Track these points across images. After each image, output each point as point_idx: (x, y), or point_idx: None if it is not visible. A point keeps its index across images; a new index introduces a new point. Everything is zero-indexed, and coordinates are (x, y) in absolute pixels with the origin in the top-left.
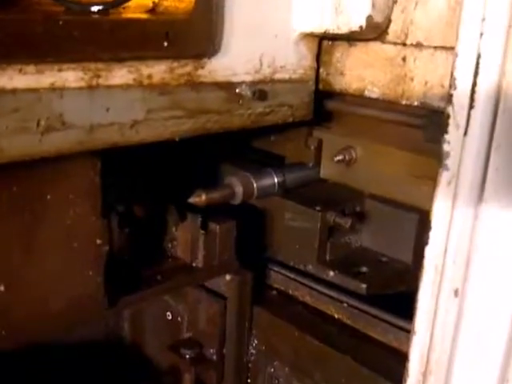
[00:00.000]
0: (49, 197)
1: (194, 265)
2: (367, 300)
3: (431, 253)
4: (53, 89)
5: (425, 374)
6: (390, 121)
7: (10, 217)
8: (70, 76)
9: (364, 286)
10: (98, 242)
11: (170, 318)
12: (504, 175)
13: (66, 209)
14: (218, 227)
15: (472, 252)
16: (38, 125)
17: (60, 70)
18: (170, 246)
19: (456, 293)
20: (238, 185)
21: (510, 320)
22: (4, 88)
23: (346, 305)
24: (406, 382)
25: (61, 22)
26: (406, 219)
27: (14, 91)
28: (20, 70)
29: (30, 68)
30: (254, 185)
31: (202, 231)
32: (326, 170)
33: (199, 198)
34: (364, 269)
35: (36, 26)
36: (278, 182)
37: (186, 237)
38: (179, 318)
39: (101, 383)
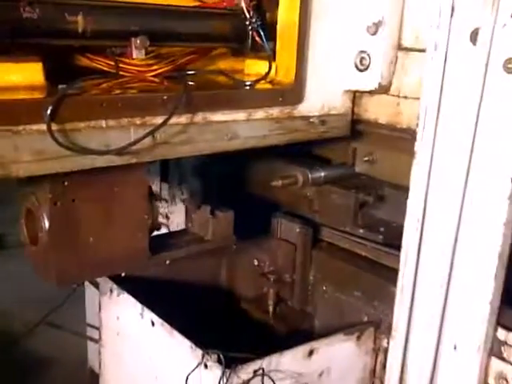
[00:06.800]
0: (116, 189)
1: (205, 238)
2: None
3: (410, 209)
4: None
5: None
6: (394, 136)
7: (94, 200)
8: (240, 113)
9: (381, 237)
10: (146, 217)
11: (256, 263)
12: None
13: (127, 197)
14: (221, 214)
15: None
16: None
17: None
18: (190, 225)
19: (418, 221)
20: (300, 175)
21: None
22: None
23: (369, 247)
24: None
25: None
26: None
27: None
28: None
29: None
30: (309, 176)
31: (210, 216)
32: (358, 167)
33: (277, 183)
34: (382, 229)
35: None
36: (324, 175)
37: (201, 219)
38: (262, 263)
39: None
